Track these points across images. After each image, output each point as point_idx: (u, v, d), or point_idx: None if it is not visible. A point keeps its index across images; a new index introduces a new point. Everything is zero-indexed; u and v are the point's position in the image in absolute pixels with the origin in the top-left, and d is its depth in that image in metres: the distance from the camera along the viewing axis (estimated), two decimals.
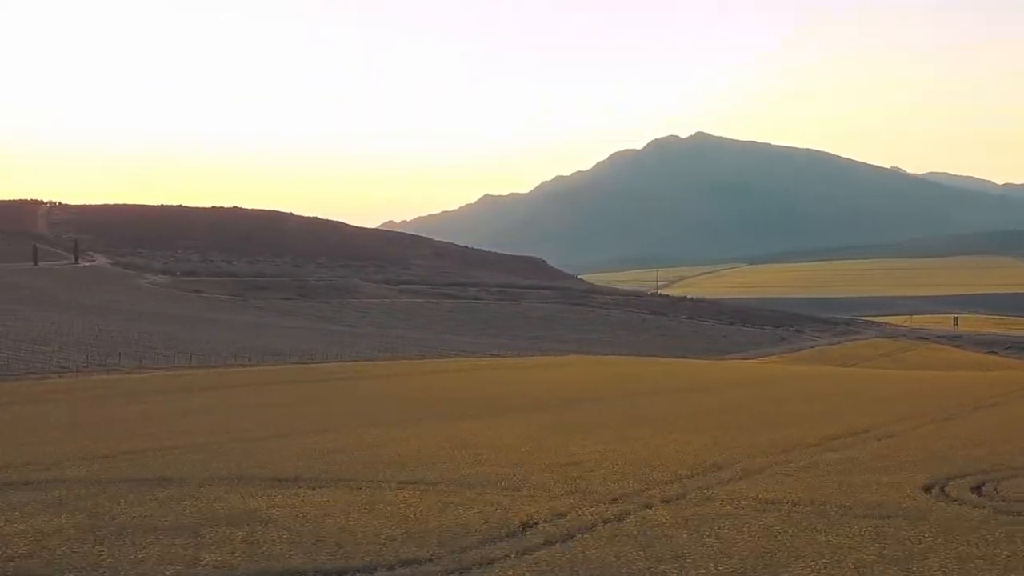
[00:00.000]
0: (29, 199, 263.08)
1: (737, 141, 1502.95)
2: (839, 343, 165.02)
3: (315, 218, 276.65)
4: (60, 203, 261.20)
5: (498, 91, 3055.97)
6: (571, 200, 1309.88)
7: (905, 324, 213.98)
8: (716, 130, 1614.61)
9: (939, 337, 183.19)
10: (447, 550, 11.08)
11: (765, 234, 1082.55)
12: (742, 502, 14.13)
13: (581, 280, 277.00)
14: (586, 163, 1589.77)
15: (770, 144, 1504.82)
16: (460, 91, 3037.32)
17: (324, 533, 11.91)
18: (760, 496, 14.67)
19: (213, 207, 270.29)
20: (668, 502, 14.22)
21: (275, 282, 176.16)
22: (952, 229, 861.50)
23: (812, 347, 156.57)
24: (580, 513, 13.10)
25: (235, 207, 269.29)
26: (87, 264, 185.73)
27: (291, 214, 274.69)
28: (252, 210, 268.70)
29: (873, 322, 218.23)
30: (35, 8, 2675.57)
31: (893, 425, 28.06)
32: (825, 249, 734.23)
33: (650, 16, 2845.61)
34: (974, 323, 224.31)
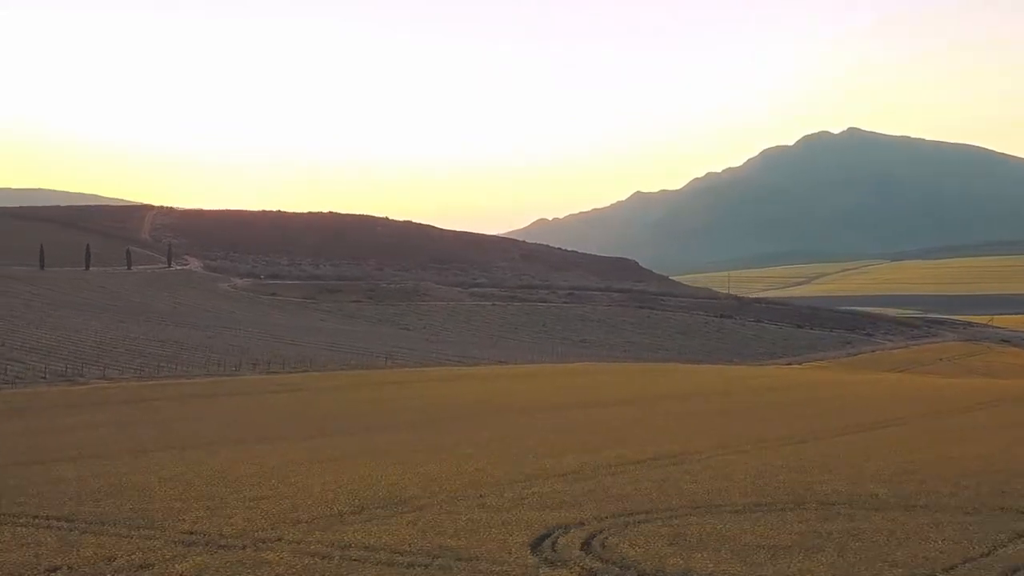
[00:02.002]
0: (140, 204, 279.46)
1: (890, 136, 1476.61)
2: (905, 346, 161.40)
3: (408, 222, 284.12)
4: (168, 207, 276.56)
5: (651, 89, 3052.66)
6: (721, 197, 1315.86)
7: (989, 324, 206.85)
8: (869, 125, 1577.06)
9: None
10: None
11: (914, 230, 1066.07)
12: (329, 549, 13.67)
13: (672, 281, 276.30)
14: (738, 160, 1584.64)
15: (923, 139, 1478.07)
16: (614, 89, 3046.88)
17: None
18: (359, 542, 14.05)
19: (309, 212, 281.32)
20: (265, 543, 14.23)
21: (351, 285, 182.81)
22: None
23: (872, 351, 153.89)
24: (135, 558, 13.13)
25: (331, 212, 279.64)
26: (179, 268, 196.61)
27: (386, 218, 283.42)
28: (346, 215, 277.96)
29: (971, 323, 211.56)
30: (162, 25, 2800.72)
31: (713, 451, 28.19)
32: (973, 245, 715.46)
33: (804, 12, 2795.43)
34: None
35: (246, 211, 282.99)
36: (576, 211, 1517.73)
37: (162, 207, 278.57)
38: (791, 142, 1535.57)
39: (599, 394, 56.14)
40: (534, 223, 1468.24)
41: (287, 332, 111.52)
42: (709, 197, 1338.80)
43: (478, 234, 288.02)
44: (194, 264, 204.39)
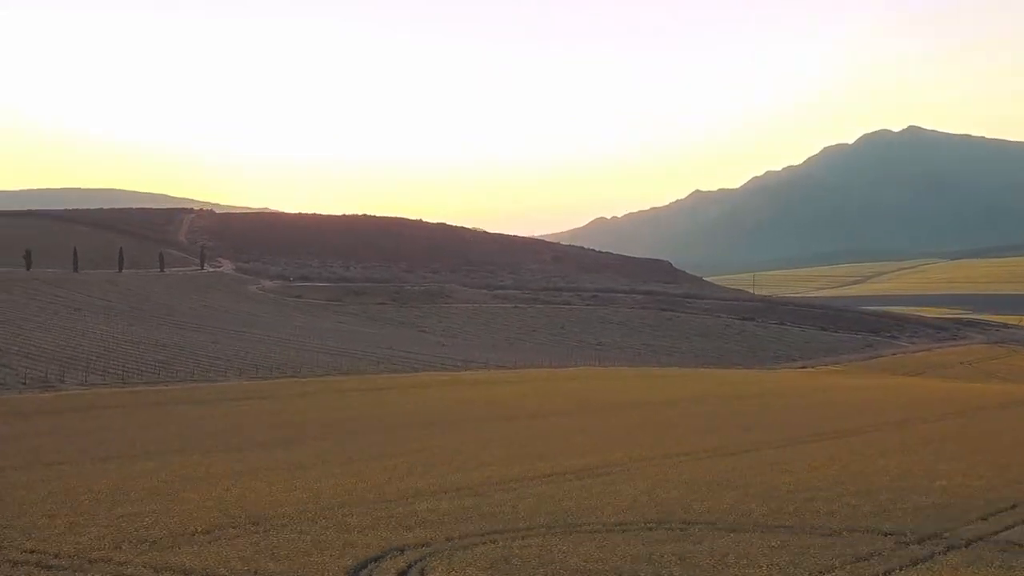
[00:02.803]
0: (179, 208, 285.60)
1: (951, 135, 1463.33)
2: (928, 350, 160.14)
3: (441, 224, 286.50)
4: (207, 210, 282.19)
5: (710, 87, 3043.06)
6: (779, 195, 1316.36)
7: (1019, 325, 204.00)
8: (929, 123, 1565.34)
9: None
10: None
11: (972, 229, 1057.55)
12: (144, 571, 14.45)
13: (706, 283, 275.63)
14: (797, 158, 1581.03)
15: (984, 138, 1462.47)
16: (673, 87, 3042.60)
17: None
18: (180, 565, 14.79)
19: (343, 215, 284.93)
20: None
21: (377, 287, 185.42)
22: None
23: (893, 354, 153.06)
24: None
25: (364, 214, 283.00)
26: (212, 270, 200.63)
27: (419, 220, 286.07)
28: (379, 217, 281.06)
29: (1005, 325, 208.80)
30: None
31: (630, 464, 28.91)
32: None
33: (864, 8, 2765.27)
34: None
35: (281, 213, 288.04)
36: (635, 210, 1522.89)
37: (201, 210, 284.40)
38: (851, 140, 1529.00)
39: (562, 403, 56.91)
40: (592, 222, 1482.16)
41: (299, 335, 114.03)
42: (768, 196, 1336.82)
43: (511, 236, 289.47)
44: (226, 266, 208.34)
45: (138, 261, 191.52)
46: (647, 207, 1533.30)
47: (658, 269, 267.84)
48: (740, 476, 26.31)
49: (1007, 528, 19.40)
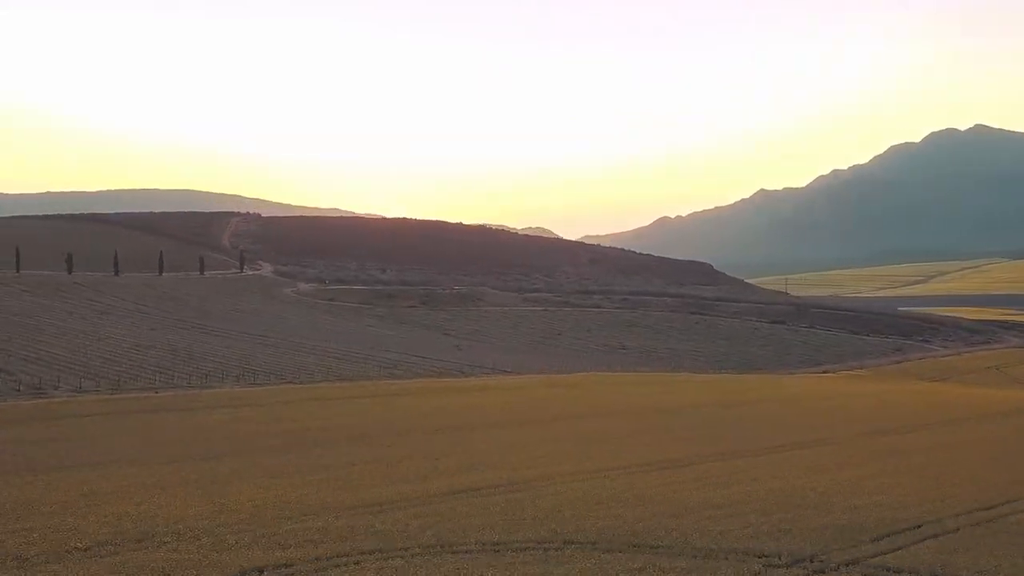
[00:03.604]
0: (226, 211, 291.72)
1: (1018, 133, 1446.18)
2: (957, 354, 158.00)
3: (482, 226, 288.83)
4: (252, 213, 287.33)
5: (776, 85, 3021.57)
6: (845, 194, 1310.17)
7: None
8: (996, 122, 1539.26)
9: None
10: None
11: None
12: None
13: (747, 285, 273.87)
14: (863, 157, 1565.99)
15: None
16: (739, 85, 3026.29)
17: None
18: None
19: (383, 218, 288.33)
20: None
21: (408, 290, 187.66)
22: None
23: (920, 358, 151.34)
24: None
25: (403, 218, 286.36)
26: (251, 273, 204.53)
27: (459, 223, 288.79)
28: (418, 220, 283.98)
29: None
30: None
31: (560, 479, 29.25)
32: None
33: (932, 8, 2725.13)
34: None
35: (323, 217, 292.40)
36: (699, 209, 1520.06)
37: (247, 213, 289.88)
38: (917, 139, 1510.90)
39: (527, 413, 56.99)
40: (655, 221, 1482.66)
41: (316, 339, 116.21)
42: (835, 195, 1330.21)
43: (548, 238, 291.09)
44: (266, 269, 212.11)
45: (181, 264, 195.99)
46: (711, 206, 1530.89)
47: (698, 271, 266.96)
48: (659, 491, 27.00)
49: (892, 551, 19.89)
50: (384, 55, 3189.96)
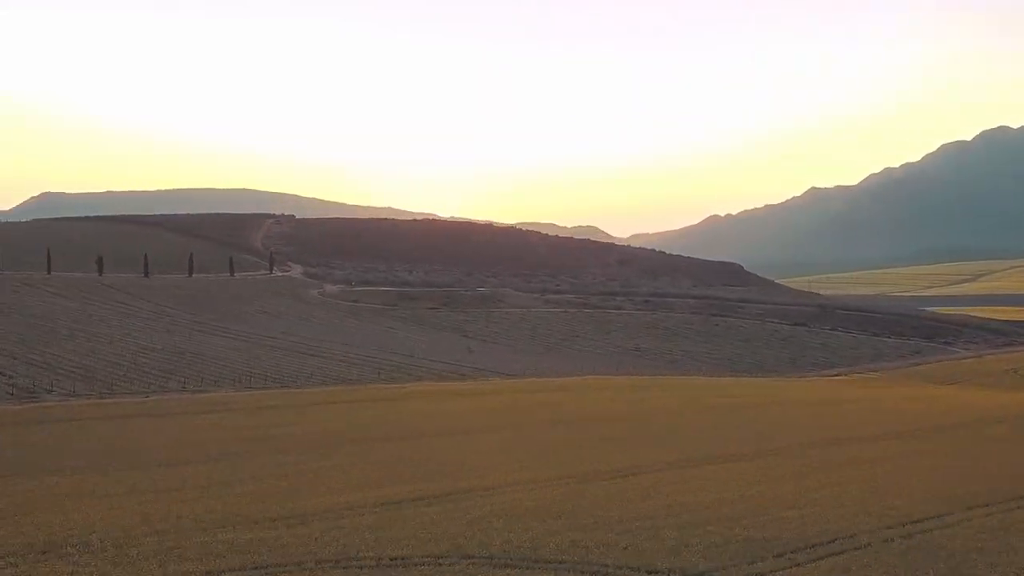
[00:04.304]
0: (259, 213, 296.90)
1: None
2: (978, 356, 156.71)
3: (511, 227, 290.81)
4: (286, 215, 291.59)
5: (826, 82, 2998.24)
6: (897, 192, 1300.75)
7: None
8: None
9: None
10: None
11: None
12: None
13: (778, 286, 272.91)
14: (915, 155, 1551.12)
15: None
16: (789, 83, 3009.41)
17: None
18: None
19: (413, 220, 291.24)
20: None
21: (432, 292, 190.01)
22: None
23: (939, 360, 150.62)
24: None
25: (433, 219, 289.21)
26: (281, 274, 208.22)
27: (490, 224, 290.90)
28: (448, 221, 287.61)
29: None
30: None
31: (494, 487, 29.59)
32: None
33: (982, 4, 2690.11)
34: None
35: (355, 219, 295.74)
36: (750, 207, 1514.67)
37: (281, 215, 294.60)
38: (969, 137, 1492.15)
39: (497, 419, 56.86)
40: (706, 220, 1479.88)
41: (328, 341, 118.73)
42: (887, 193, 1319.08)
43: (577, 239, 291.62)
44: (296, 270, 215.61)
45: (212, 266, 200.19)
46: (761, 204, 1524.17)
47: (727, 272, 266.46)
48: (591, 503, 27.13)
49: (790, 567, 20.04)
50: (440, 58, 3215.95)
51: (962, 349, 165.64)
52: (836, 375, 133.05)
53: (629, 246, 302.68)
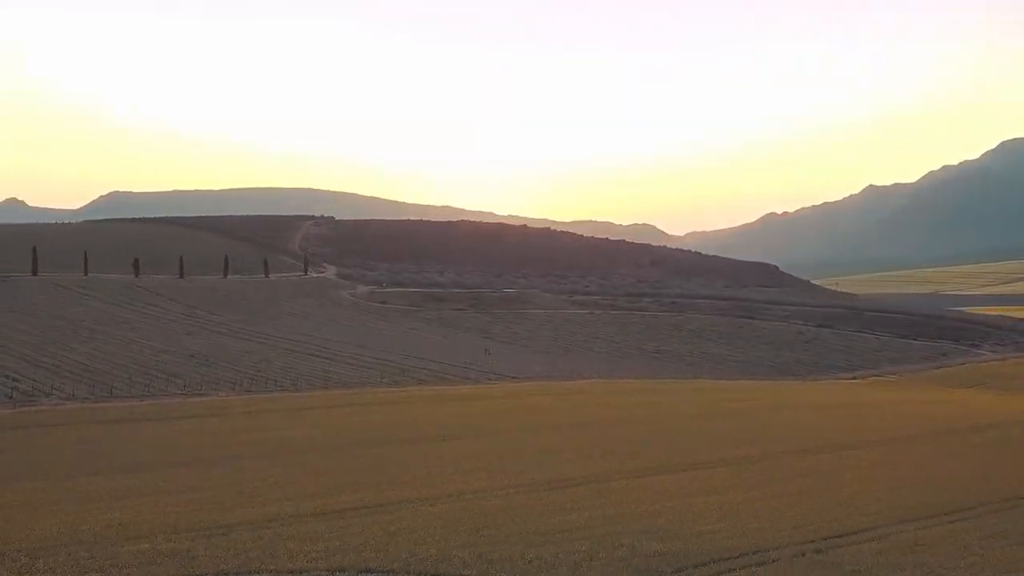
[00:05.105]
0: (300, 215, 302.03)
1: None
2: (1003, 359, 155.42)
3: (546, 229, 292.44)
4: (325, 216, 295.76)
5: (885, 79, 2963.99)
6: (955, 190, 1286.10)
7: None
8: None
9: None
10: None
11: None
12: None
13: (813, 287, 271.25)
14: (974, 152, 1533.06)
15: None
16: (847, 80, 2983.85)
17: None
18: None
19: (448, 221, 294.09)
20: None
21: (460, 293, 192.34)
22: None
23: (962, 363, 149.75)
24: None
25: (464, 220, 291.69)
26: (315, 275, 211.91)
27: (524, 226, 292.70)
28: (480, 223, 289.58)
29: None
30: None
31: (439, 497, 29.64)
32: None
33: None
34: None
35: (392, 220, 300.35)
36: (807, 205, 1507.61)
37: (320, 216, 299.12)
38: None
39: (484, 424, 56.87)
40: (762, 218, 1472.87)
41: (345, 342, 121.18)
42: (945, 191, 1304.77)
43: (612, 240, 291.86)
44: (330, 272, 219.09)
45: (250, 267, 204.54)
46: (819, 202, 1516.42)
47: (762, 272, 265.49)
48: (524, 513, 27.41)
49: None
50: (506, 61, 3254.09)
51: (988, 352, 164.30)
52: (852, 378, 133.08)
53: (664, 247, 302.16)
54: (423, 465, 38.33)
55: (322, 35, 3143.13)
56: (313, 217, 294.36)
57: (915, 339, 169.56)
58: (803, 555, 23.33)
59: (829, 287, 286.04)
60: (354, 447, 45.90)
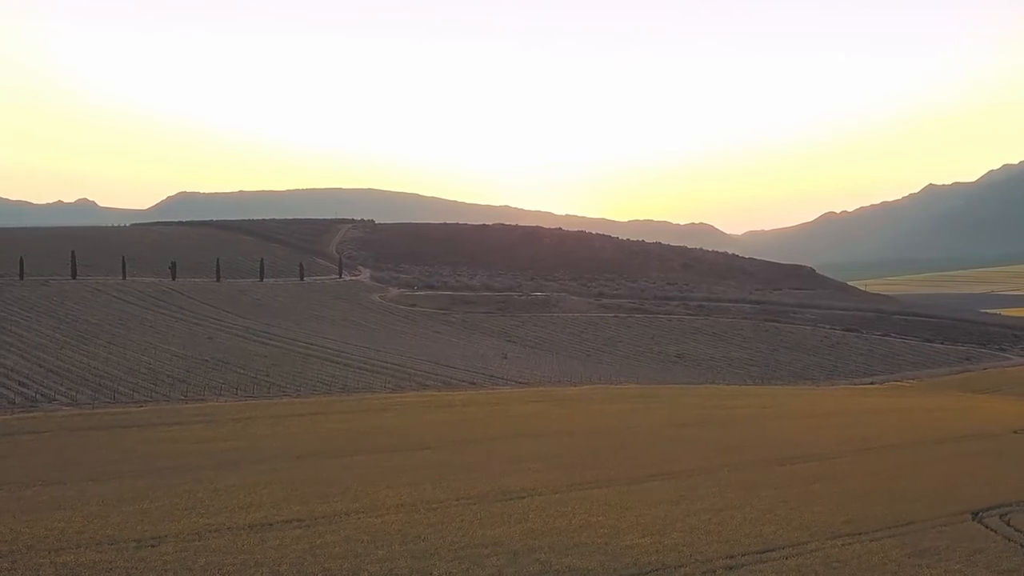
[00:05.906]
0: (340, 218, 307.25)
1: None
2: None
3: (580, 231, 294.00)
4: (364, 220, 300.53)
5: (945, 79, 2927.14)
6: (1017, 190, 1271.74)
7: None
8: None
9: None
10: None
11: None
12: None
13: (851, 290, 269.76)
14: None
15: None
16: (904, 79, 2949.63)
17: None
18: None
19: (483, 224, 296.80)
20: None
21: (488, 296, 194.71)
22: None
23: (985, 368, 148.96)
24: None
25: (499, 223, 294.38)
26: (349, 279, 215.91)
27: (559, 229, 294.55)
28: (514, 225, 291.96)
29: None
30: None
31: (372, 510, 29.14)
32: None
33: None
34: None
35: (429, 224, 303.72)
36: (866, 204, 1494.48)
37: (359, 219, 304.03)
38: None
39: (455, 433, 55.83)
40: (820, 217, 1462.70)
41: (362, 346, 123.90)
42: (1006, 190, 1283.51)
43: (642, 243, 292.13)
44: (364, 275, 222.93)
45: (286, 271, 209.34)
46: (878, 201, 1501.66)
47: (796, 275, 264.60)
48: (461, 527, 27.06)
49: None
50: (570, 65, 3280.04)
51: (1016, 356, 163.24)
52: (869, 383, 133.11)
53: (700, 249, 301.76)
54: (374, 477, 37.25)
55: (391, 42, 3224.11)
56: (351, 220, 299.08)
57: (940, 343, 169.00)
58: (713, 572, 22.98)
59: (860, 288, 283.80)
60: (318, 458, 44.68)
